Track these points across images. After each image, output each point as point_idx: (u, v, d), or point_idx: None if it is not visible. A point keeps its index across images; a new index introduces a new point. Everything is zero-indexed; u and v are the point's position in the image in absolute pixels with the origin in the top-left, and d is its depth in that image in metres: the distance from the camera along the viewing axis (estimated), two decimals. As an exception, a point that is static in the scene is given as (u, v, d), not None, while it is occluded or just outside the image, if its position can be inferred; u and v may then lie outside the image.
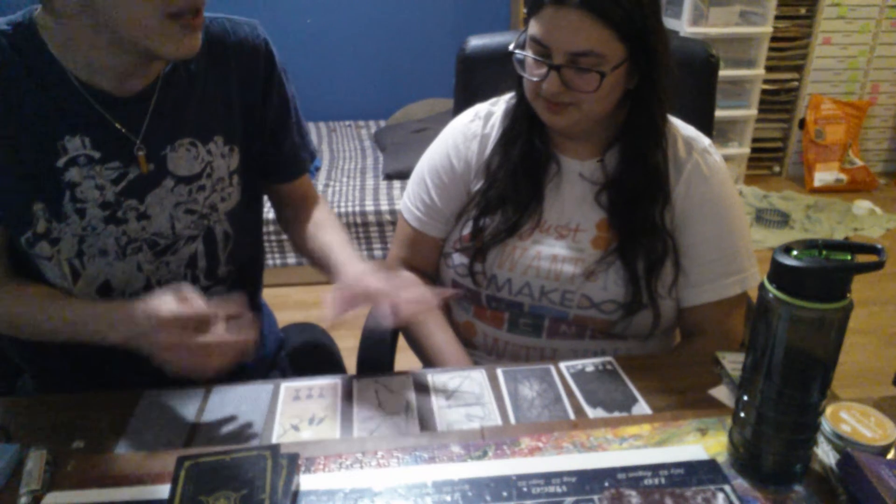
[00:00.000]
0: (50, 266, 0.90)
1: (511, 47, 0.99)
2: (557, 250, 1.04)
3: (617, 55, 0.92)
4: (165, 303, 0.78)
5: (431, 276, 1.17)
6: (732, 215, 1.04)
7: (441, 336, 1.08)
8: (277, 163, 1.06)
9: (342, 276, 0.93)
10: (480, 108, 1.14)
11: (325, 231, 1.05)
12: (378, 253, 2.83)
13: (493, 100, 1.14)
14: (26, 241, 0.88)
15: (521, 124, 1.06)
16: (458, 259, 1.09)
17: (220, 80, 0.95)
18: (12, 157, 0.85)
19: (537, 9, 0.93)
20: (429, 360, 1.08)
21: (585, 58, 0.91)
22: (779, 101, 3.70)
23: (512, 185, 1.05)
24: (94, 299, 0.93)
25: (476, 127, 1.11)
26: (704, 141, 1.06)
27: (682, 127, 1.06)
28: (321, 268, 1.03)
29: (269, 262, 2.72)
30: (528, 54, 0.97)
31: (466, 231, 1.08)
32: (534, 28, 0.94)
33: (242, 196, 1.01)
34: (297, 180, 1.10)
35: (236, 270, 1.04)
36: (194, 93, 0.93)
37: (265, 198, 1.13)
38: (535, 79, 0.96)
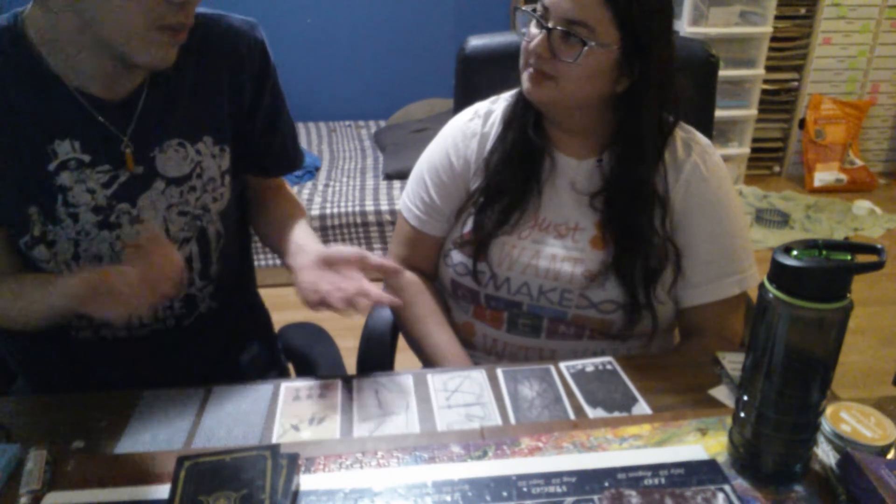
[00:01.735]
0: (48, 269, 0.90)
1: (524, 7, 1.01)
2: (556, 250, 1.04)
3: (608, 36, 0.93)
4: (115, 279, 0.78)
5: (431, 275, 1.17)
6: (731, 215, 1.04)
7: (441, 336, 1.08)
8: (267, 160, 1.07)
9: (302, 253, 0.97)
10: (480, 107, 1.14)
11: (295, 222, 1.07)
12: (378, 253, 2.82)
13: (493, 98, 1.14)
14: (25, 245, 0.88)
15: (517, 110, 1.07)
16: (458, 257, 1.09)
17: (211, 80, 0.94)
18: (6, 161, 0.85)
19: None
20: (428, 360, 1.08)
21: (577, 27, 0.92)
22: (779, 101, 3.70)
23: (508, 173, 1.05)
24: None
25: (475, 125, 1.11)
26: (703, 141, 1.06)
27: (683, 127, 1.06)
28: (275, 246, 1.06)
29: (270, 262, 2.71)
30: (533, 15, 0.98)
31: (466, 229, 1.08)
32: None
33: (232, 195, 1.01)
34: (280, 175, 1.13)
35: (227, 268, 1.04)
36: (183, 94, 0.92)
37: None
38: (528, 40, 0.97)
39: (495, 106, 1.12)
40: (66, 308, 0.83)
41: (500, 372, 0.92)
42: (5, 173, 0.85)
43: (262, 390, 0.89)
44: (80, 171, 0.87)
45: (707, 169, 1.03)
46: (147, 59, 0.81)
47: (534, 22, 0.98)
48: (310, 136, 3.56)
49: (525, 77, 1.00)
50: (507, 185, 1.05)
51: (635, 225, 1.01)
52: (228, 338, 1.10)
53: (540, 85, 0.98)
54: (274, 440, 0.80)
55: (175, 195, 0.93)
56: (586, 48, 0.92)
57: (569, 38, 0.93)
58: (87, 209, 0.88)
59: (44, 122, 0.85)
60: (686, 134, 1.06)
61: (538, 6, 0.97)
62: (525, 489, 0.69)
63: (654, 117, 1.00)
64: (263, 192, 1.12)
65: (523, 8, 1.00)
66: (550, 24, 0.94)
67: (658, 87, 0.97)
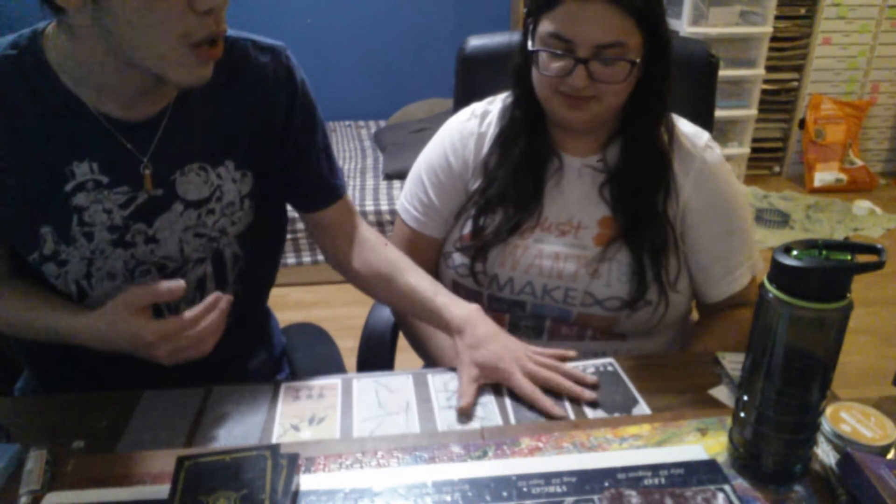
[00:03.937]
0: (57, 284, 0.89)
1: (531, 47, 0.99)
2: (559, 248, 1.04)
3: (637, 45, 0.94)
4: (148, 328, 0.80)
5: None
6: (740, 207, 1.07)
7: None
8: (304, 190, 1.02)
9: (463, 334, 0.93)
10: (476, 107, 1.14)
11: (406, 273, 1.02)
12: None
13: (489, 98, 1.14)
14: (33, 262, 0.87)
15: (520, 123, 1.06)
16: (459, 259, 1.09)
17: (234, 105, 0.92)
18: (19, 183, 0.84)
19: (553, 5, 0.93)
20: (433, 362, 1.07)
21: (611, 49, 0.92)
22: (779, 101, 3.70)
23: (513, 183, 1.05)
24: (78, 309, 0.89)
25: (472, 125, 1.11)
26: (704, 136, 1.08)
27: (682, 123, 1.07)
28: (414, 312, 1.04)
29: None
30: (549, 50, 0.96)
31: (466, 230, 1.08)
32: (550, 24, 0.94)
33: (256, 218, 0.98)
34: (329, 208, 1.03)
35: (245, 290, 1.01)
36: (206, 117, 0.90)
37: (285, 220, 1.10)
38: (556, 75, 0.96)
39: (492, 106, 1.12)
40: (68, 338, 0.85)
41: (500, 372, 0.92)
42: (20, 194, 0.84)
43: (262, 390, 0.89)
44: (98, 192, 0.86)
45: (714, 164, 1.05)
46: (183, 78, 0.79)
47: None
48: (310, 136, 3.56)
49: (559, 105, 0.98)
50: (515, 193, 1.05)
51: (643, 205, 1.02)
52: (239, 347, 1.09)
53: (582, 108, 0.97)
54: (274, 440, 0.80)
55: (192, 218, 0.91)
56: (633, 66, 0.93)
57: (609, 64, 0.93)
58: (103, 228, 0.87)
59: (62, 143, 0.84)
60: (688, 130, 1.07)
61: (553, 41, 0.94)
62: (525, 489, 0.69)
63: (664, 93, 1.01)
64: (331, 229, 1.05)
65: (539, 48, 0.96)
66: (582, 55, 0.93)
67: (670, 67, 0.99)
